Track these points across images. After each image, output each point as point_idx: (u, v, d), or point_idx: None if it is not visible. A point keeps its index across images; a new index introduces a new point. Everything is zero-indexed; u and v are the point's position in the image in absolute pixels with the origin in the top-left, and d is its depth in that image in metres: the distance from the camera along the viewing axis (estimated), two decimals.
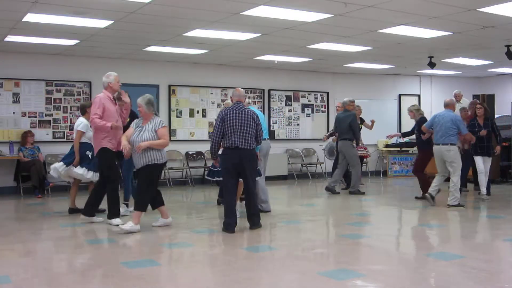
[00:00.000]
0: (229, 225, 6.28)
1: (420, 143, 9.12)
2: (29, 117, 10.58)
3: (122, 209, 7.38)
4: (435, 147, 8.35)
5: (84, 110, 7.80)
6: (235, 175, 6.43)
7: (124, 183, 7.72)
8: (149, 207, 6.59)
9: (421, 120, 9.09)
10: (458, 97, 12.05)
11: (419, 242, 6.17)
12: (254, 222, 6.47)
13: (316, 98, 13.82)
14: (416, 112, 9.35)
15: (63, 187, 10.55)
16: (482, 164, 8.86)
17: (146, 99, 6.45)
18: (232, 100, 6.75)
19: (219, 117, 6.39)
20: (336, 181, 10.17)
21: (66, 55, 10.73)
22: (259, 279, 4.43)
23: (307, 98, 13.69)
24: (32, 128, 10.50)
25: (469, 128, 8.87)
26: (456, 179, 8.14)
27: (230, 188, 6.40)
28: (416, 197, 9.17)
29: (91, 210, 6.93)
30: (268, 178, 12.15)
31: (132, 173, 7.59)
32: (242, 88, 12.67)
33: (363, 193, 9.94)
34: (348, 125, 9.81)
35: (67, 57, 10.84)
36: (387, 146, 13.69)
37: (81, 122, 7.67)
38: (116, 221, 6.64)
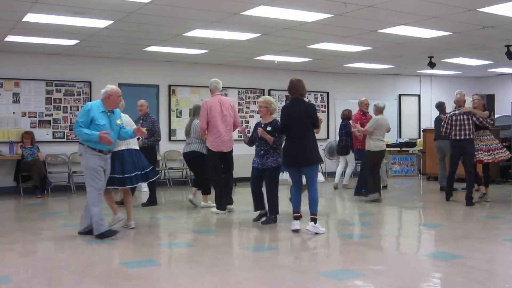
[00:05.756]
0: None
1: None
2: (29, 117, 10.58)
3: None
4: None
5: None
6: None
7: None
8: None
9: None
10: None
11: (419, 242, 6.17)
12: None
13: (316, 98, 13.83)
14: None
15: (63, 187, 10.56)
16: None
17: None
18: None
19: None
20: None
21: (66, 55, 10.73)
22: (259, 279, 4.43)
23: (307, 98, 13.65)
24: (32, 128, 10.51)
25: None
26: None
27: None
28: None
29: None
30: None
31: None
32: (242, 88, 12.85)
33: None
34: None
35: (67, 57, 10.84)
36: (387, 146, 13.67)
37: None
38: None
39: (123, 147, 6.37)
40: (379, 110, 8.80)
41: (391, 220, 7.81)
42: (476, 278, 4.36)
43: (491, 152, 8.33)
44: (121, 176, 6.26)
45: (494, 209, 8.17)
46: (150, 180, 6.77)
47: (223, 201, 7.69)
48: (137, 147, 6.63)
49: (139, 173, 6.40)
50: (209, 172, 7.77)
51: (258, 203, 6.99)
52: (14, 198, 9.74)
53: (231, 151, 7.85)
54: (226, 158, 7.76)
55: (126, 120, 6.62)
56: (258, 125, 6.89)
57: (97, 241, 5.91)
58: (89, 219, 6.02)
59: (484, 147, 8.36)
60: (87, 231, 6.07)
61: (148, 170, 6.54)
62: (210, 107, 7.59)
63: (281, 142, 6.75)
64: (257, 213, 7.02)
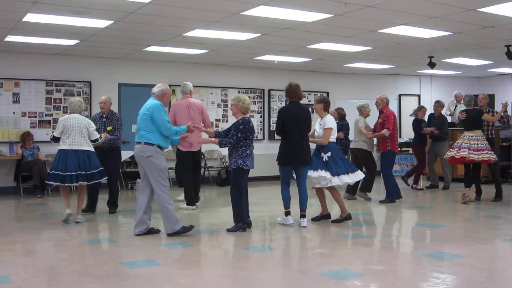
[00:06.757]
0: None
1: None
2: (29, 117, 10.58)
3: None
4: None
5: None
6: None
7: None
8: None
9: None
10: (458, 98, 12.06)
11: (419, 242, 6.17)
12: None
13: None
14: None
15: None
16: None
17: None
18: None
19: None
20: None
21: (66, 55, 10.73)
22: (259, 279, 4.43)
23: (307, 98, 13.68)
24: (32, 128, 10.50)
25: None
26: None
27: None
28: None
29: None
30: (268, 178, 12.20)
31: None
32: (242, 88, 12.84)
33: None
34: None
35: (67, 57, 10.84)
36: None
37: (330, 119, 7.07)
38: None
39: (66, 147, 6.80)
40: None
41: (391, 220, 7.81)
42: (476, 278, 4.36)
43: (470, 151, 8.37)
44: (63, 173, 6.69)
45: (494, 209, 8.17)
46: (95, 182, 7.06)
47: (193, 198, 8.23)
48: (90, 149, 6.93)
49: (83, 173, 6.76)
50: (181, 170, 8.43)
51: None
52: (14, 198, 9.74)
53: (199, 151, 8.45)
54: (194, 158, 8.28)
55: (86, 123, 6.98)
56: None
57: (97, 241, 5.92)
58: (146, 222, 6.13)
59: (462, 145, 8.56)
60: (145, 233, 6.13)
61: (95, 171, 6.89)
62: (176, 109, 8.10)
63: (234, 141, 6.24)
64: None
